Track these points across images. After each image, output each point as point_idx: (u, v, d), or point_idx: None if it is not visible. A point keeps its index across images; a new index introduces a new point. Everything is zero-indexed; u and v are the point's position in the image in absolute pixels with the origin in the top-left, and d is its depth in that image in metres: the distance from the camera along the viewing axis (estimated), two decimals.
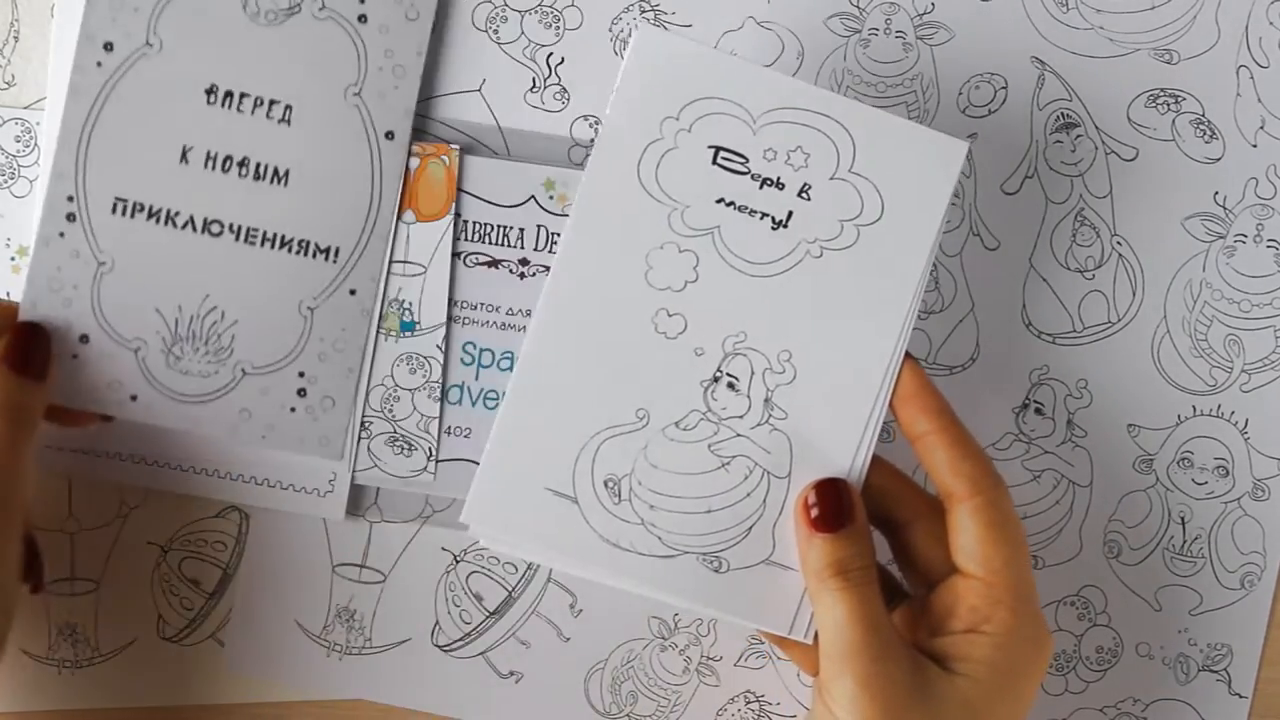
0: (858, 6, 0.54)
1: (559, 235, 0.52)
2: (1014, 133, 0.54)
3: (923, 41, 0.54)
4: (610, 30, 0.53)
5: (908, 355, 0.47)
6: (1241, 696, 0.56)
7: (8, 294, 0.53)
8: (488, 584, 0.54)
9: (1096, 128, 0.54)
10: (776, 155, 0.47)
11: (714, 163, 0.47)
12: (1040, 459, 0.55)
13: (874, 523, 0.48)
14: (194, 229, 0.51)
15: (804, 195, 0.47)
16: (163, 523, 0.53)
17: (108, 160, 0.51)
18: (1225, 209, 0.55)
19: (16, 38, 0.52)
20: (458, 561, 0.54)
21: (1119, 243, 0.55)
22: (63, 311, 0.50)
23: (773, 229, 0.47)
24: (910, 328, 0.47)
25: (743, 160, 0.47)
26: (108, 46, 0.50)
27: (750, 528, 0.47)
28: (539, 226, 0.53)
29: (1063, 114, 0.54)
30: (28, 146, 0.52)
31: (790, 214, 0.47)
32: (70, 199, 0.50)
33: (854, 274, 0.47)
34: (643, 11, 0.53)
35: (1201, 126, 0.55)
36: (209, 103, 0.51)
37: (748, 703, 0.55)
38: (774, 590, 0.47)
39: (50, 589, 0.53)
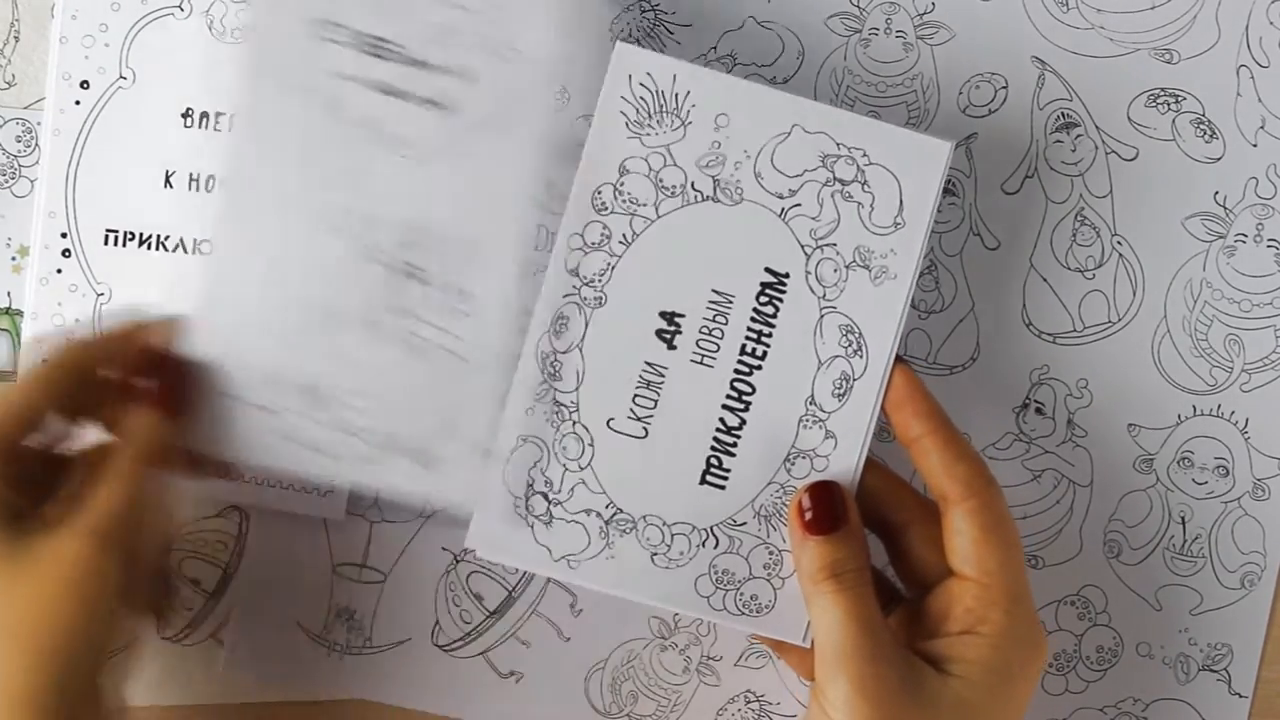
0: (858, 6, 0.54)
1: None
2: (1014, 133, 0.54)
3: (923, 41, 0.54)
4: (610, 30, 0.53)
5: (900, 360, 0.47)
6: (1241, 696, 0.56)
7: (8, 294, 0.53)
8: (488, 584, 0.54)
9: (1096, 127, 0.54)
10: (431, 42, 0.46)
11: (371, 54, 0.46)
12: (1040, 459, 0.55)
13: (870, 526, 0.48)
14: (184, 250, 0.52)
15: (464, 79, 0.46)
16: None
17: (95, 194, 0.52)
18: (1225, 209, 0.55)
19: (16, 38, 0.52)
20: (458, 561, 0.54)
21: (1119, 242, 0.55)
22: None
23: (435, 115, 0.46)
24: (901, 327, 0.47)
25: (399, 48, 0.46)
26: (84, 84, 0.52)
27: (451, 415, 0.47)
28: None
29: (1063, 114, 0.54)
30: (28, 146, 0.52)
31: (452, 99, 0.47)
32: (64, 235, 0.52)
33: (515, 157, 0.47)
34: (643, 11, 0.53)
35: (1201, 126, 0.55)
36: (186, 125, 0.52)
37: (748, 702, 0.55)
38: (483, 478, 0.47)
39: None
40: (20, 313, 0.53)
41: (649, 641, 0.55)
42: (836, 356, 0.47)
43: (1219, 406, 0.55)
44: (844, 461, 0.47)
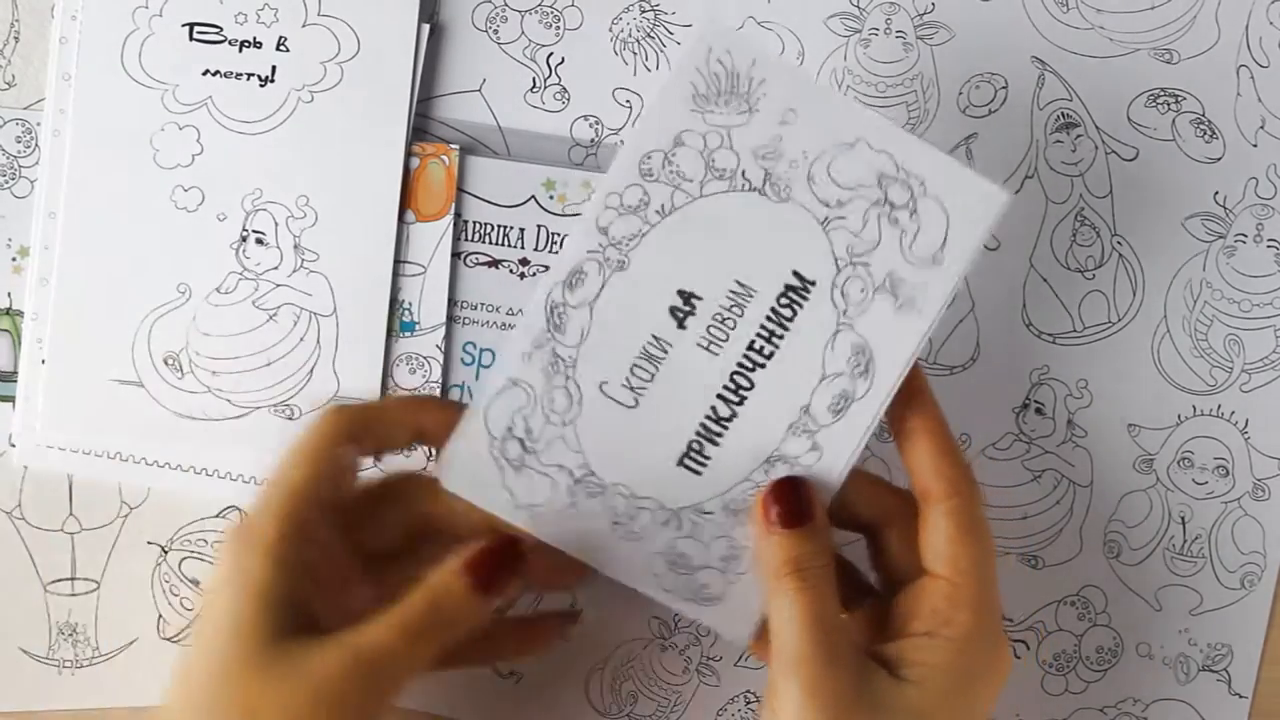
0: (858, 6, 0.54)
1: (559, 235, 0.53)
2: (1014, 133, 0.54)
3: (923, 41, 0.54)
4: (610, 30, 0.53)
5: None
6: (1241, 696, 0.56)
7: (9, 295, 0.53)
8: None
9: (1096, 128, 0.54)
10: (247, 18, 0.50)
11: (191, 39, 0.50)
12: (1040, 459, 0.55)
13: (849, 526, 0.47)
14: None
15: (282, 48, 0.50)
16: (163, 523, 0.53)
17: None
18: (1225, 209, 0.55)
19: (16, 38, 0.53)
20: None
21: (1119, 243, 0.55)
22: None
23: (260, 86, 0.50)
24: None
25: (217, 30, 0.50)
26: None
27: (311, 369, 0.50)
28: (539, 226, 0.53)
29: (1063, 114, 0.54)
30: (28, 147, 0.52)
31: (274, 69, 0.50)
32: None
33: (342, 114, 0.51)
34: (643, 11, 0.53)
35: (1201, 126, 0.55)
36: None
37: (748, 703, 0.55)
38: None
39: (50, 589, 0.53)
40: (20, 313, 0.52)
41: (649, 642, 0.55)
42: (842, 374, 0.46)
43: (1219, 406, 0.55)
44: (825, 476, 0.46)
